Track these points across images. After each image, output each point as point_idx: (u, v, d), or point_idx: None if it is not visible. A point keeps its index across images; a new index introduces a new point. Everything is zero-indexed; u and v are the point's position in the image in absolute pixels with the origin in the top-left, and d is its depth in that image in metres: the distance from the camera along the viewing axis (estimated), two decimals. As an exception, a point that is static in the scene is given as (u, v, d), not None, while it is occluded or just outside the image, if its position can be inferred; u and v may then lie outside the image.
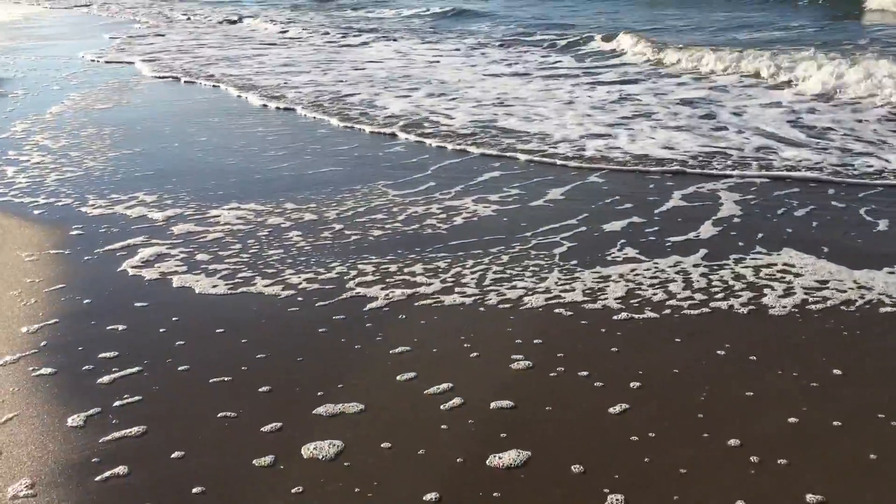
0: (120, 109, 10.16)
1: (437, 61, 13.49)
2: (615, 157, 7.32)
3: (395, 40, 16.43)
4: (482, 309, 4.40)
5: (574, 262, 4.98)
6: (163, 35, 18.79)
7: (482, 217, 5.87)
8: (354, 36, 17.39)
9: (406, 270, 4.93)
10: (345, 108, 9.81)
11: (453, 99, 10.14)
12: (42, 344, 4.07)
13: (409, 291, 4.63)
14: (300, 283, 4.74)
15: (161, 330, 4.22)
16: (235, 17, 22.50)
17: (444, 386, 3.60)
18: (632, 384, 3.59)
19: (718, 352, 3.86)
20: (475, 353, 3.91)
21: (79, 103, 10.46)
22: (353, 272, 4.92)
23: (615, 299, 4.44)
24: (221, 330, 4.20)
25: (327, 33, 18.03)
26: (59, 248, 5.35)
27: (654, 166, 7.03)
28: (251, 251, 5.29)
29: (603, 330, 4.12)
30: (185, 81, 12.23)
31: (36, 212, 6.10)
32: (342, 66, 13.24)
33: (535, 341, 4.00)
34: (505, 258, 5.06)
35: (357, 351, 3.96)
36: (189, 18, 23.40)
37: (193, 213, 6.05)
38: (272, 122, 9.32)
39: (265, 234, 5.60)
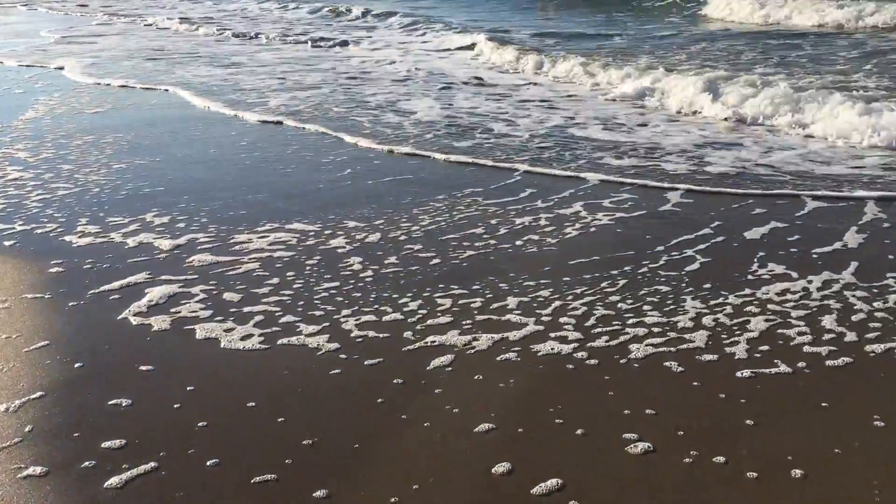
0: (109, 114, 9.14)
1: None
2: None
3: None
4: (586, 361, 3.64)
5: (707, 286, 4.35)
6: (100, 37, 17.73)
7: (597, 229, 5.27)
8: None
9: (494, 306, 4.18)
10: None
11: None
12: (27, 430, 3.21)
13: (495, 337, 3.86)
14: (356, 331, 3.95)
15: (176, 406, 3.38)
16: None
17: (552, 483, 2.83)
18: (793, 472, 2.84)
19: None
20: (580, 430, 3.14)
21: (56, 109, 9.41)
22: (425, 310, 4.15)
23: (747, 342, 3.73)
24: (253, 403, 3.38)
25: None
26: (39, 292, 4.47)
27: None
28: (294, 286, 4.47)
29: (728, 394, 3.36)
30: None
31: (7, 242, 5.20)
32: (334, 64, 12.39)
33: (646, 412, 3.24)
34: (621, 282, 4.40)
35: (427, 431, 3.16)
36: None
37: (213, 240, 5.19)
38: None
39: (314, 264, 4.78)
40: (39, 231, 5.39)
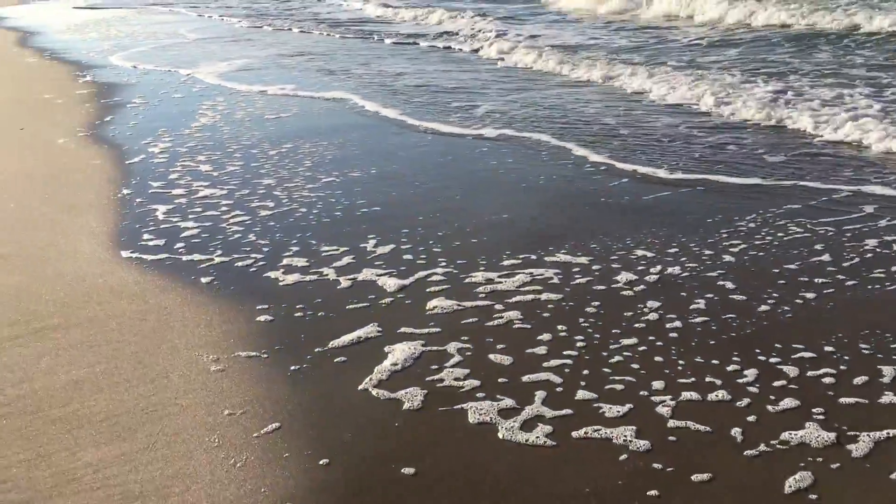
0: (288, 122, 8.28)
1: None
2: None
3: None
4: None
5: None
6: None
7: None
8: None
9: (859, 380, 3.17)
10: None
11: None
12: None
13: (877, 437, 2.80)
14: (672, 419, 2.95)
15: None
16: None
17: None
18: None
19: None
20: None
21: (229, 116, 8.65)
22: (760, 383, 3.09)
23: None
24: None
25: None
26: (253, 349, 3.67)
27: None
28: (575, 345, 3.53)
29: None
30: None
31: (205, 279, 4.45)
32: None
33: None
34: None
35: None
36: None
37: (451, 277, 4.31)
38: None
39: (593, 312, 3.85)
40: (240, 264, 4.62)
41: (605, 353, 3.44)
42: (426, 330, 3.73)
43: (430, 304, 3.99)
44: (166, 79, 11.12)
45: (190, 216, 5.43)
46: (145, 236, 5.11)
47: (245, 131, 7.80)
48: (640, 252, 4.49)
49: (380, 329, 3.76)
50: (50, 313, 4.06)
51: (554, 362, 3.38)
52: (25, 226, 5.39)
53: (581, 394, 3.16)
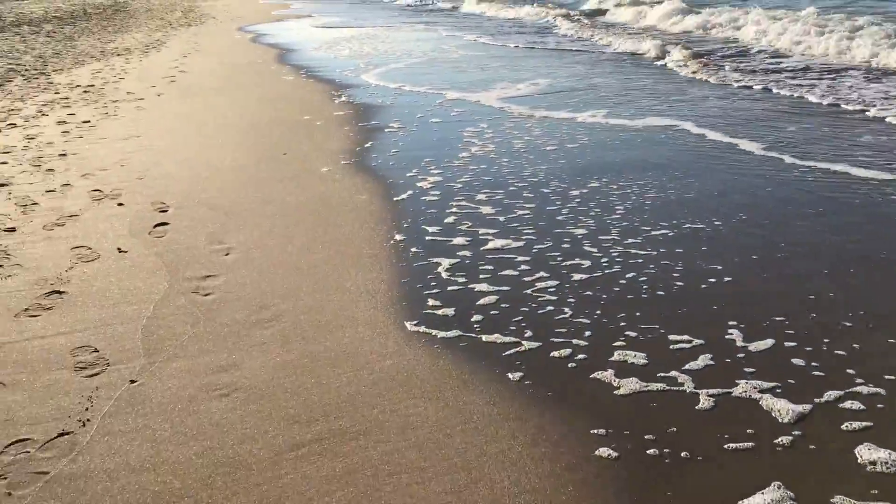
0: (589, 153, 7.30)
1: None
2: None
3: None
4: None
5: None
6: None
7: None
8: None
9: None
10: None
11: None
12: None
13: None
14: None
15: None
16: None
17: None
18: None
19: None
20: None
21: (501, 142, 7.78)
22: None
23: None
24: None
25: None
26: (591, 502, 2.63)
27: None
28: None
29: None
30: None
31: (513, 375, 3.47)
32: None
33: None
34: None
35: None
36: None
37: (875, 409, 3.05)
38: None
39: None
40: (556, 354, 3.59)
41: None
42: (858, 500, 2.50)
43: (860, 452, 2.75)
44: (422, 101, 10.56)
45: (481, 276, 4.53)
46: (430, 302, 4.26)
47: (528, 164, 6.88)
48: None
49: (790, 495, 2.58)
50: (334, 412, 3.27)
51: None
52: (299, 275, 4.75)
53: None
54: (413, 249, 5.02)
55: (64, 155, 7.83)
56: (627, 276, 4.37)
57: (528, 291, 4.26)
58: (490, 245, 4.97)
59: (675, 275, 4.34)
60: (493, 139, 7.96)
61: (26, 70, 14.88)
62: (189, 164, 7.41)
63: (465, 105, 10.01)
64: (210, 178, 6.88)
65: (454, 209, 5.75)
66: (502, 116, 9.20)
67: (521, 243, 4.96)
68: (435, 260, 4.81)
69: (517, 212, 5.60)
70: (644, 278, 4.31)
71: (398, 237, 5.26)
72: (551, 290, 4.26)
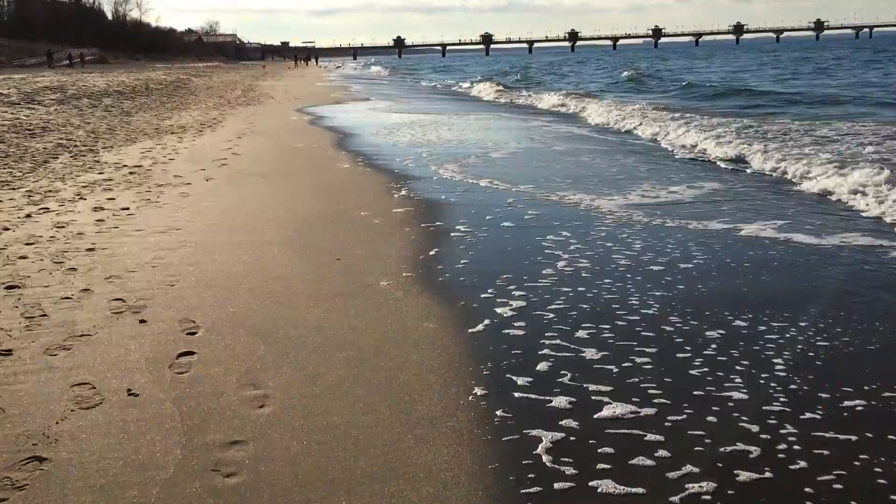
0: (723, 277, 6.19)
1: None
2: None
3: None
4: None
5: None
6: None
7: None
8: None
9: None
10: None
11: None
12: None
13: None
14: None
15: None
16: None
17: None
18: None
19: None
20: None
21: (593, 257, 6.68)
22: None
23: None
24: None
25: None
26: None
27: None
28: None
29: None
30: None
31: None
32: None
33: None
34: None
35: None
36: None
37: None
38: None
39: None
40: None
41: None
42: None
43: None
44: (491, 199, 9.57)
45: (600, 465, 3.31)
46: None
47: (636, 289, 5.73)
48: None
49: None
50: None
51: None
52: (356, 448, 3.62)
53: None
54: (499, 413, 3.87)
55: (92, 250, 6.93)
56: (820, 478, 3.13)
57: (676, 499, 3.06)
58: (606, 412, 3.79)
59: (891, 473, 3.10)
60: (581, 250, 6.86)
61: (75, 146, 14.36)
62: (229, 268, 6.43)
63: (542, 207, 8.96)
64: (251, 289, 5.86)
65: (547, 351, 4.61)
66: (588, 221, 8.11)
67: (649, 411, 3.77)
68: (530, 433, 3.64)
69: (634, 359, 4.43)
70: (842, 478, 3.07)
71: (478, 391, 4.12)
72: (707, 497, 3.05)
